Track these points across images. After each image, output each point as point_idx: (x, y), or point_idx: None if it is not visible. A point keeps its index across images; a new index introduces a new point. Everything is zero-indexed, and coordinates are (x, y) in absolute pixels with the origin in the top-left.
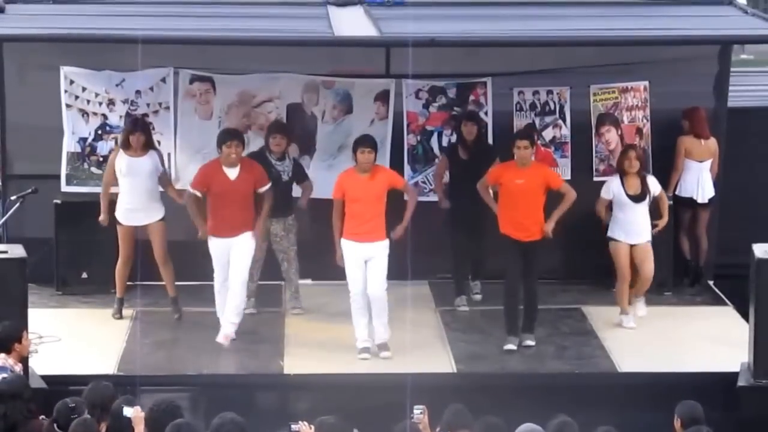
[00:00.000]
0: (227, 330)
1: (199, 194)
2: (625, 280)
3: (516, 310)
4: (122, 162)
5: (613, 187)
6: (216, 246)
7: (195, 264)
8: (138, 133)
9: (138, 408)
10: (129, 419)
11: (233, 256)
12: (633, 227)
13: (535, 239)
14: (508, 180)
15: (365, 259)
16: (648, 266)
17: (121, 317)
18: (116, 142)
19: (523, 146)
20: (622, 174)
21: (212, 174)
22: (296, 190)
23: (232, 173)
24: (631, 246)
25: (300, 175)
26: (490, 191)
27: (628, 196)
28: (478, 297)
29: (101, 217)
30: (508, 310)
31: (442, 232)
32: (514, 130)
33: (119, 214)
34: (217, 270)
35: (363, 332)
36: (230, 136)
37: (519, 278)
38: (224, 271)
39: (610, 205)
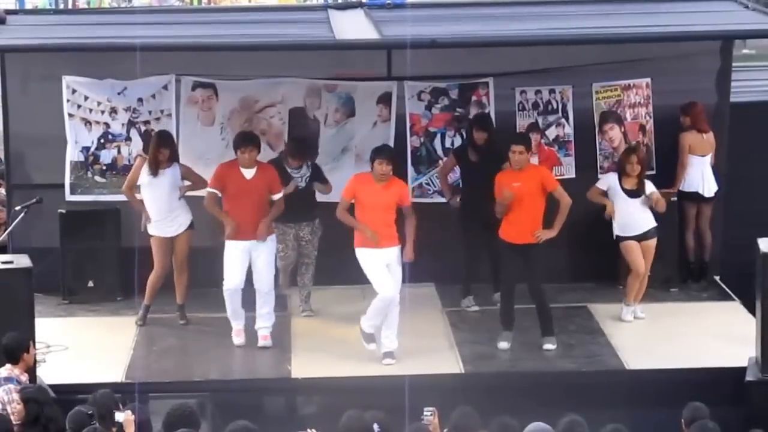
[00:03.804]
0: (265, 332)
1: (218, 193)
2: (639, 275)
3: (511, 312)
4: (145, 175)
5: (610, 180)
6: (234, 248)
7: (200, 270)
8: (163, 149)
9: (128, 412)
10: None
11: (257, 264)
12: (631, 220)
13: (532, 242)
14: (506, 184)
15: (385, 263)
16: (648, 260)
17: (144, 324)
18: (119, 150)
19: (519, 151)
20: (623, 173)
21: (228, 173)
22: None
23: (249, 173)
24: (640, 242)
25: (319, 178)
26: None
27: (624, 189)
28: (476, 308)
29: (144, 220)
30: (504, 311)
31: (451, 234)
32: (517, 130)
33: (150, 227)
34: (232, 274)
35: (376, 321)
36: (246, 142)
37: (515, 281)
38: (239, 274)
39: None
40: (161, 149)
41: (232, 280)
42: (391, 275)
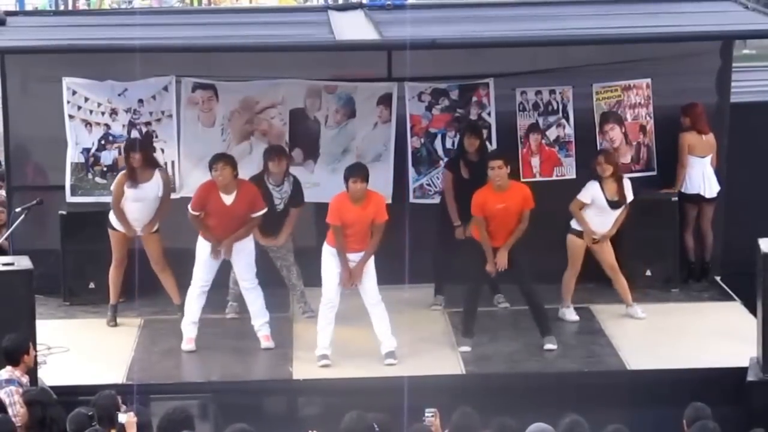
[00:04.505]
0: (265, 332)
1: (200, 215)
2: (576, 273)
3: (475, 313)
4: (129, 189)
5: (593, 191)
6: (206, 247)
7: None
8: (133, 153)
9: (131, 414)
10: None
11: (237, 265)
12: (601, 228)
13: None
14: (490, 206)
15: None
16: (611, 259)
17: (116, 324)
18: (120, 152)
19: (497, 166)
20: (599, 179)
21: (208, 196)
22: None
23: (228, 199)
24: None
25: (294, 199)
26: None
27: (608, 201)
28: (506, 305)
29: (129, 232)
30: (467, 313)
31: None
32: (518, 131)
33: (113, 219)
34: (200, 273)
35: (326, 340)
36: (216, 159)
37: (483, 282)
38: (208, 274)
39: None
40: (131, 153)
41: (203, 279)
42: (365, 282)
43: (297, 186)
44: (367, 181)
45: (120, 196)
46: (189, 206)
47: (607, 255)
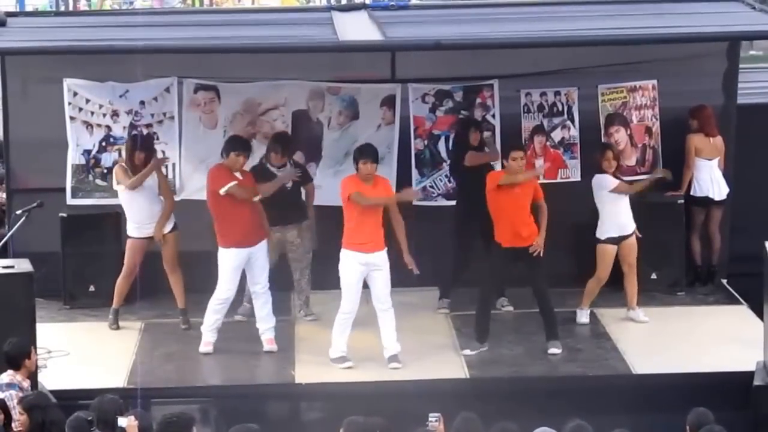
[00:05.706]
0: (269, 335)
1: (236, 183)
2: (601, 282)
3: (489, 318)
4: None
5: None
6: (236, 257)
7: (202, 275)
8: (138, 152)
9: (132, 417)
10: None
11: (255, 266)
12: (622, 218)
13: (531, 244)
14: (505, 189)
15: (369, 270)
16: (633, 258)
17: (117, 328)
18: (120, 154)
19: (520, 158)
20: (601, 172)
21: (226, 174)
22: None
23: (239, 175)
24: (621, 242)
25: (304, 178)
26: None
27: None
28: (510, 308)
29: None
30: (481, 317)
31: (451, 238)
32: (522, 132)
33: (131, 229)
34: (229, 284)
35: (343, 344)
36: (246, 147)
37: (497, 286)
38: (235, 284)
39: None
40: (136, 152)
41: (230, 290)
42: (361, 290)
43: (298, 166)
44: (377, 161)
45: (123, 173)
46: (220, 191)
47: (632, 253)
